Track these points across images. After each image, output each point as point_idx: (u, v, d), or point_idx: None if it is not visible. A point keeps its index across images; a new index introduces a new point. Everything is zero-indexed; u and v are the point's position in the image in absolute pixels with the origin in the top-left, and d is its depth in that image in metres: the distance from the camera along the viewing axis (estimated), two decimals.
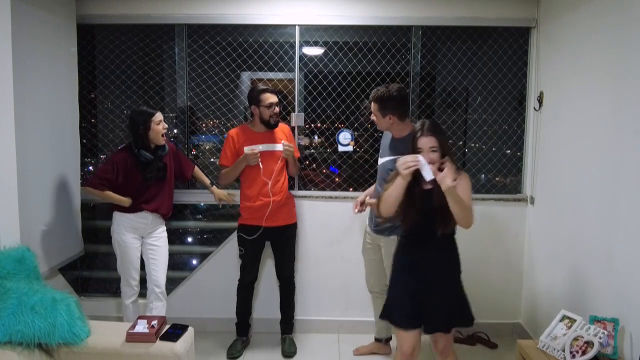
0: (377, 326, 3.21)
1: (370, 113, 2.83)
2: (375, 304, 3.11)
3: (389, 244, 2.78)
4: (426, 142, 2.19)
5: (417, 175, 2.18)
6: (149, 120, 2.85)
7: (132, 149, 2.89)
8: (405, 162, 2.13)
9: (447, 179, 2.10)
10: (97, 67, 3.61)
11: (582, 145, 2.70)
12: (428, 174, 2.13)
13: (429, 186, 2.19)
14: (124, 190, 2.89)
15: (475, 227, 3.46)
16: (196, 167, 3.27)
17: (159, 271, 3.00)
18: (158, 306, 3.00)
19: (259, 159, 2.99)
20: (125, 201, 2.88)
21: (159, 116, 2.88)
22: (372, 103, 2.76)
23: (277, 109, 3.05)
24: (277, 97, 3.07)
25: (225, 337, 3.34)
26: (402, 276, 2.35)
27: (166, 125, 2.93)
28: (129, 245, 2.93)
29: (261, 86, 3.08)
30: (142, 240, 3.00)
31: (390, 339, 3.21)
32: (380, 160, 2.90)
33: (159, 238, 3.03)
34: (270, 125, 3.06)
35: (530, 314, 3.39)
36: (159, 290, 3.00)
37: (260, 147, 3.01)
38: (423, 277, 2.28)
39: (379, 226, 2.86)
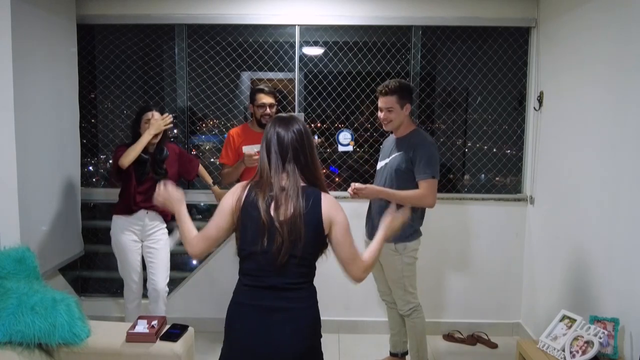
0: (392, 340, 2.99)
1: (378, 111, 2.67)
2: (390, 315, 2.96)
3: (391, 255, 2.64)
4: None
5: None
6: (139, 116, 2.88)
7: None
8: None
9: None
10: (97, 67, 3.61)
11: (582, 145, 2.70)
12: None
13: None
14: (122, 187, 2.92)
15: (476, 227, 3.53)
16: (200, 166, 3.26)
17: (157, 275, 2.97)
18: (158, 307, 3.00)
19: (255, 162, 2.97)
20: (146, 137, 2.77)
21: (148, 114, 2.85)
22: (389, 96, 2.58)
23: (269, 110, 3.03)
24: (275, 97, 3.06)
25: None
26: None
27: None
28: (127, 249, 2.92)
29: (259, 86, 3.07)
30: (141, 243, 2.99)
31: (406, 353, 2.95)
32: (384, 161, 2.75)
33: (157, 240, 3.00)
34: (261, 125, 3.03)
35: (530, 314, 3.38)
36: (158, 293, 2.99)
37: (258, 147, 3.01)
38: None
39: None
